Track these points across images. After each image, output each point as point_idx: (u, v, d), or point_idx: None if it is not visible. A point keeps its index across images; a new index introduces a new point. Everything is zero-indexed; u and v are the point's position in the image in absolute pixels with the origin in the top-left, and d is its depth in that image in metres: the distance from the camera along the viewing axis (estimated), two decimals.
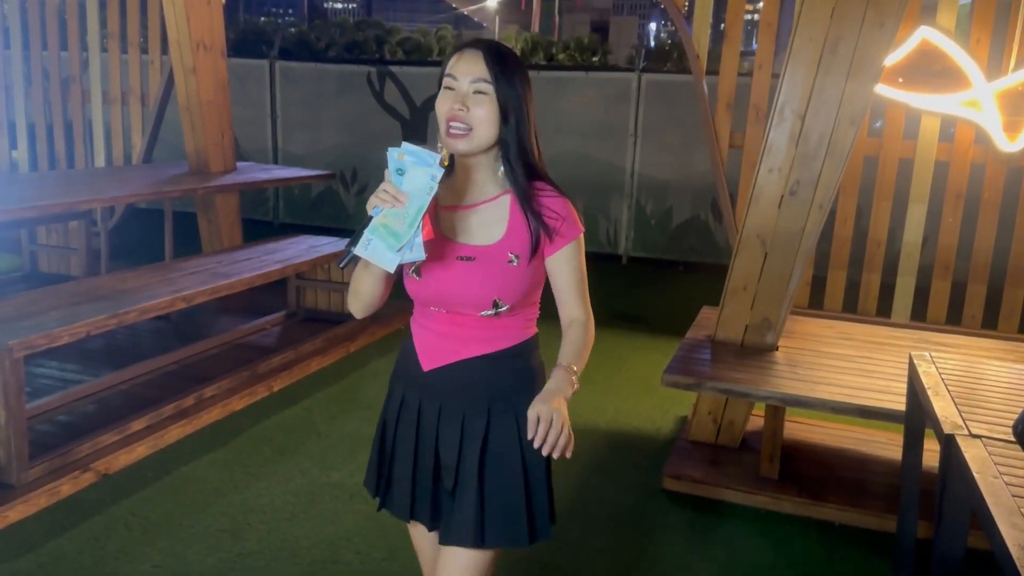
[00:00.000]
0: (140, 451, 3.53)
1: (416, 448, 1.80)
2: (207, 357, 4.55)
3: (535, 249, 1.67)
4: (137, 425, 3.64)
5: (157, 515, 3.14)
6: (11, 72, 6.31)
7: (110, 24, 5.92)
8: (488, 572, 1.79)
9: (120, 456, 3.44)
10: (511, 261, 1.67)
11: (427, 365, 1.77)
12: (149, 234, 5.81)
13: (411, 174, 1.53)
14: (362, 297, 1.73)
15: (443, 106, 1.65)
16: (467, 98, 1.63)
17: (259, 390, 4.22)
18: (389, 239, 1.53)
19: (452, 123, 1.63)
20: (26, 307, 3.47)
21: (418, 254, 1.55)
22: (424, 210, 1.52)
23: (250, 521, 3.12)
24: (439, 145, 1.66)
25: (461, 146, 1.64)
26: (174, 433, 3.70)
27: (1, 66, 6.32)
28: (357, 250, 1.56)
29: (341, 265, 1.62)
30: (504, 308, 1.69)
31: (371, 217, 1.55)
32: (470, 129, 1.63)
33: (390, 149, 1.55)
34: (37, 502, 3.09)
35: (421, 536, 1.90)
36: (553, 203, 1.69)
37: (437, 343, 1.76)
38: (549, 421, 1.53)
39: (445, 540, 1.77)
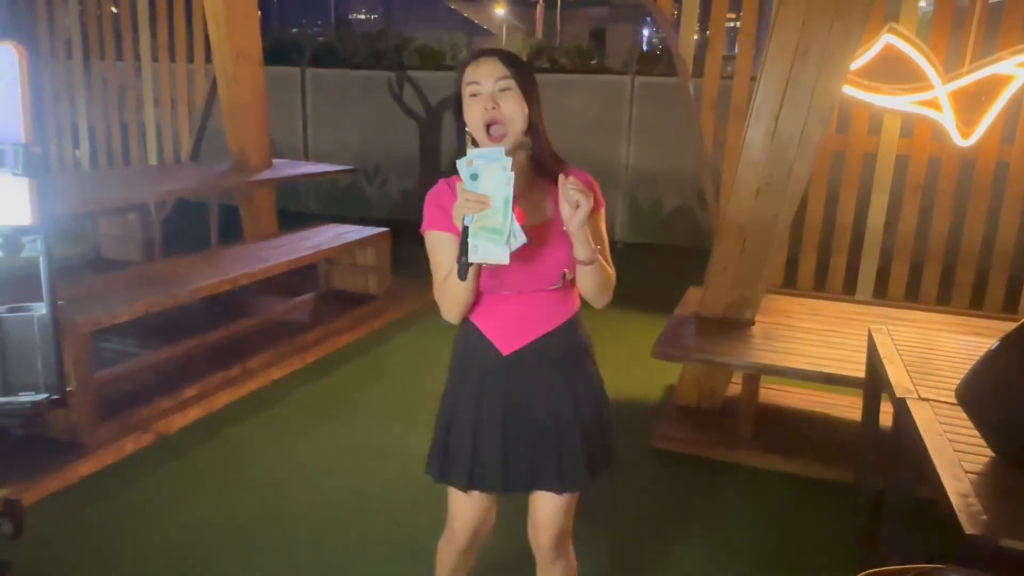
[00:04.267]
0: (193, 414, 3.61)
1: (504, 426, 1.77)
2: (249, 333, 4.62)
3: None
4: (189, 392, 3.71)
5: (210, 470, 3.22)
6: (73, 80, 6.36)
7: (160, 37, 5.96)
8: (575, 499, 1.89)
9: (176, 419, 3.52)
10: (565, 232, 1.63)
11: (507, 349, 1.74)
12: (196, 225, 5.86)
13: (485, 174, 1.50)
14: (461, 303, 1.69)
15: (475, 112, 1.62)
16: (495, 96, 1.61)
17: (295, 361, 4.28)
18: (493, 236, 1.50)
19: (491, 126, 1.62)
20: (92, 289, 3.54)
21: (521, 239, 1.52)
22: (511, 199, 1.50)
23: (291, 475, 3.20)
24: (470, 144, 1.64)
25: (505, 145, 1.60)
26: (222, 399, 3.78)
27: (64, 74, 6.37)
28: (471, 257, 1.52)
29: (462, 279, 1.55)
30: (569, 277, 1.69)
31: (466, 227, 1.51)
32: (505, 125, 1.62)
33: (459, 161, 1.52)
34: (105, 459, 3.18)
35: (473, 504, 1.87)
36: (581, 176, 1.67)
37: (510, 326, 1.73)
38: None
39: (557, 487, 1.80)
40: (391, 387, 4.07)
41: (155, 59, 6.06)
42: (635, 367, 4.47)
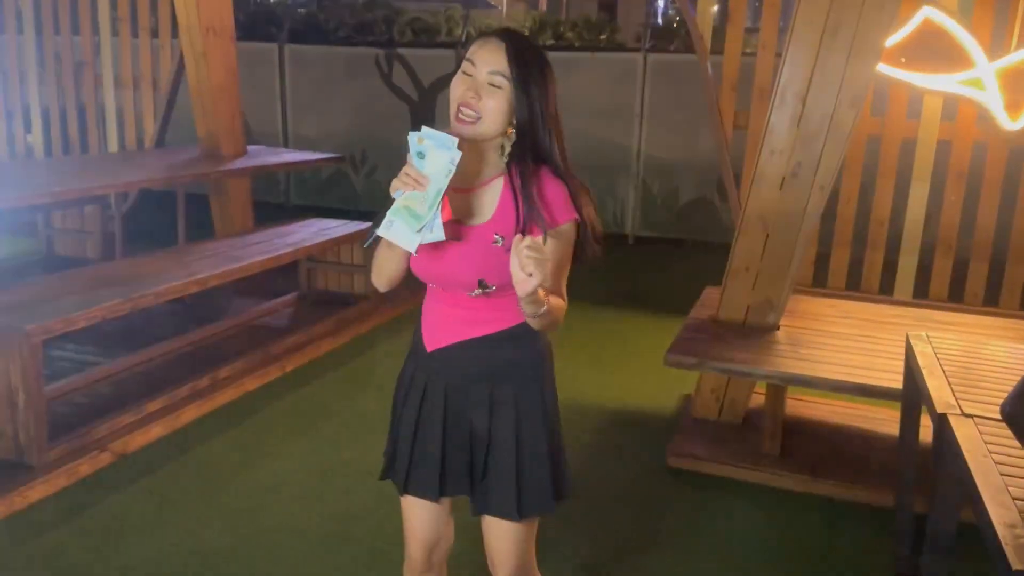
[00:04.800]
0: (156, 431, 3.59)
1: (418, 425, 1.84)
2: (221, 339, 4.61)
3: (522, 231, 1.64)
4: (153, 406, 3.70)
5: (174, 494, 3.21)
6: (25, 57, 6.34)
7: (120, 8, 5.93)
8: (533, 532, 1.89)
9: (136, 436, 3.51)
10: (495, 242, 1.67)
11: (430, 346, 1.81)
12: (163, 217, 5.85)
13: (431, 157, 1.56)
14: (386, 273, 1.79)
15: (457, 89, 1.67)
16: (481, 87, 1.64)
17: (272, 371, 4.27)
18: (411, 220, 1.57)
19: (462, 108, 1.65)
20: (43, 292, 3.52)
21: (437, 234, 1.58)
22: (443, 192, 1.56)
23: (265, 499, 3.18)
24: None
25: (466, 132, 1.65)
26: (189, 413, 3.76)
27: (15, 50, 6.35)
28: (380, 231, 1.61)
29: (364, 245, 1.67)
30: (491, 288, 1.70)
31: (394, 199, 1.59)
32: (478, 118, 1.64)
33: (411, 133, 1.57)
34: (56, 482, 3.15)
35: (420, 515, 1.92)
36: (549, 188, 1.68)
37: (440, 324, 1.80)
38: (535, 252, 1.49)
39: (489, 510, 1.83)
40: (378, 399, 4.05)
41: (115, 33, 6.03)
42: (647, 375, 4.45)
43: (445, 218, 1.59)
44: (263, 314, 5.04)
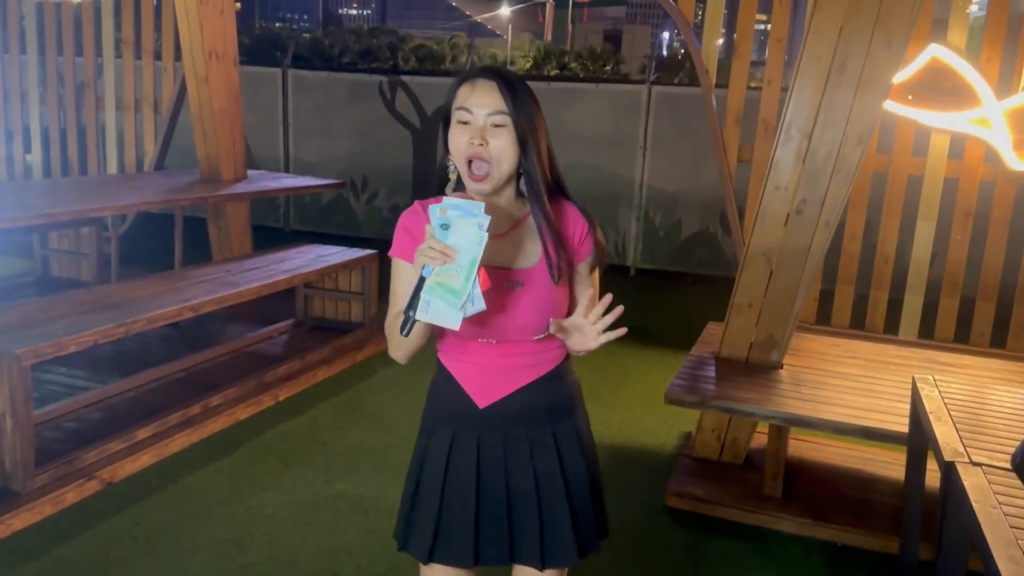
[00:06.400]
0: (145, 460, 3.54)
1: (478, 489, 1.72)
2: (215, 365, 4.57)
3: (556, 268, 1.65)
4: (143, 433, 3.65)
5: (161, 524, 3.15)
6: (27, 76, 6.36)
7: (124, 31, 5.96)
8: None
9: (125, 464, 3.46)
10: (554, 279, 1.66)
11: (483, 402, 1.72)
12: (160, 239, 5.84)
13: (457, 227, 1.49)
14: (410, 348, 1.68)
15: (459, 142, 1.62)
16: (485, 131, 1.60)
17: (265, 399, 4.22)
18: (449, 297, 1.49)
19: (473, 162, 1.61)
20: (35, 315, 3.49)
21: (479, 305, 1.52)
22: (478, 262, 1.49)
23: (253, 532, 3.12)
24: (452, 170, 1.68)
25: (485, 187, 1.62)
26: (179, 442, 3.71)
27: (18, 70, 6.37)
28: (419, 315, 1.51)
29: (404, 333, 1.54)
30: (557, 324, 1.65)
31: (422, 279, 1.51)
32: (489, 166, 1.60)
33: (431, 207, 1.52)
34: (42, 510, 3.10)
35: None
36: (572, 222, 1.71)
37: (489, 377, 1.71)
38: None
39: (538, 563, 1.74)
40: (372, 429, 4.00)
41: (119, 55, 6.06)
42: (647, 411, 4.41)
43: (484, 287, 1.52)
44: (258, 340, 5.00)
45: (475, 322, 1.62)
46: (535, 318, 1.66)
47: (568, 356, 1.80)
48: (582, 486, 1.77)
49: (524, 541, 1.74)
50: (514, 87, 1.62)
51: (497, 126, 1.60)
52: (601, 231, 1.79)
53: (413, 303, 1.51)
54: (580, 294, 1.68)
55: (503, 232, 1.67)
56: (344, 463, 3.69)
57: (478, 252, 1.48)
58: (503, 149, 1.60)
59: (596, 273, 1.77)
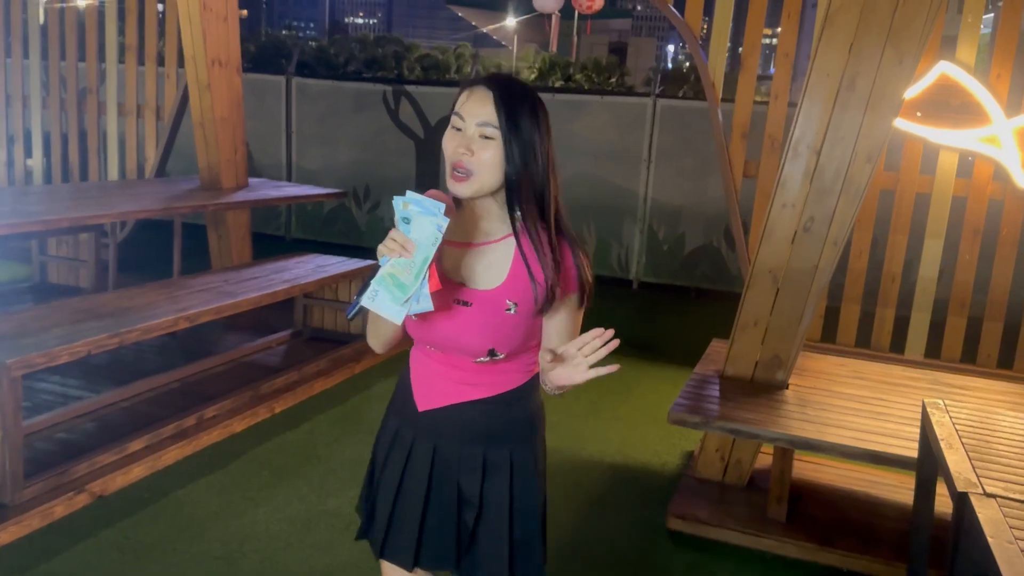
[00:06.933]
0: (137, 472, 3.48)
1: (428, 490, 1.73)
2: (211, 375, 4.50)
3: (539, 306, 1.60)
4: (136, 445, 3.58)
5: (151, 539, 3.08)
6: (29, 81, 6.32)
7: (128, 36, 5.92)
8: None
9: (117, 477, 3.39)
10: (509, 309, 1.60)
11: (422, 406, 1.72)
12: (160, 245, 5.79)
13: (417, 223, 1.49)
14: (381, 336, 1.71)
15: (448, 146, 1.59)
16: (472, 141, 1.56)
17: (261, 411, 4.16)
18: (395, 291, 1.50)
19: (455, 166, 1.57)
20: (29, 323, 3.43)
21: (425, 305, 1.51)
22: (429, 261, 1.49)
23: (244, 549, 3.05)
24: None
25: (463, 190, 1.58)
26: (172, 454, 3.64)
27: (20, 75, 6.33)
28: (364, 302, 1.53)
29: (349, 317, 1.58)
30: (500, 356, 1.63)
31: (378, 267, 1.52)
32: (472, 174, 1.56)
33: (395, 198, 1.51)
34: (30, 523, 3.03)
35: None
36: (564, 256, 1.61)
37: (433, 383, 1.71)
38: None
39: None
40: (368, 443, 3.87)
41: (121, 61, 6.02)
42: (650, 429, 4.34)
43: (434, 288, 1.51)
44: (255, 351, 4.94)
45: (423, 327, 1.63)
46: (476, 341, 1.61)
47: (531, 383, 1.73)
48: (502, 519, 1.71)
49: (469, 555, 1.74)
50: (511, 100, 1.55)
51: (485, 138, 1.56)
52: (590, 270, 1.67)
53: (363, 289, 1.53)
54: (559, 328, 1.64)
55: (472, 243, 1.63)
56: (339, 478, 3.63)
57: (431, 252, 1.48)
58: (486, 162, 1.55)
59: (579, 311, 1.69)
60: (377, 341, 1.73)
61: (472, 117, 1.56)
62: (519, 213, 1.59)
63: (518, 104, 1.56)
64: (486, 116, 1.55)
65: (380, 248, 1.52)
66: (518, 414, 1.73)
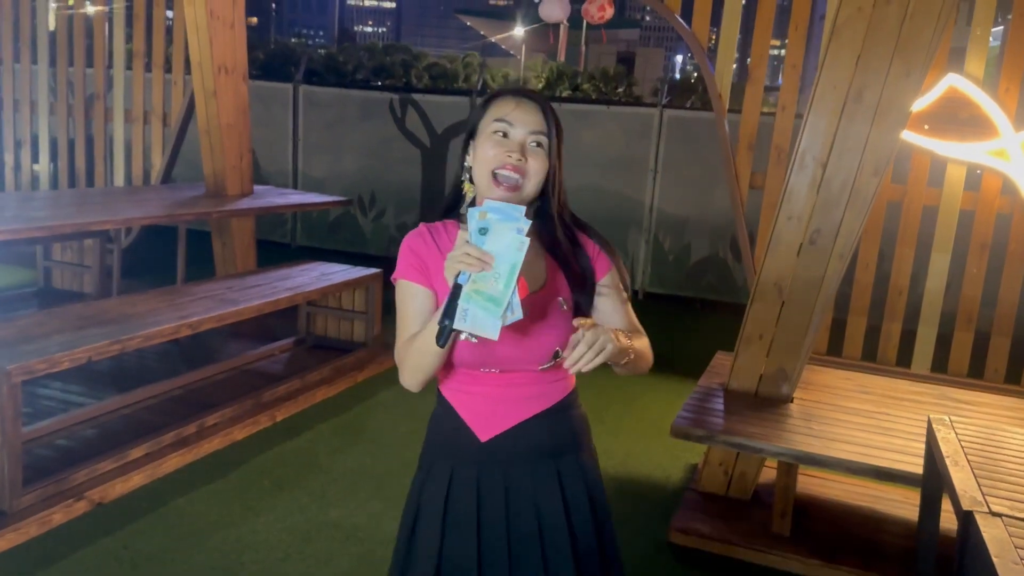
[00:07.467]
0: (136, 480, 3.46)
1: (479, 532, 1.64)
2: (212, 383, 4.49)
3: (589, 295, 1.65)
4: (136, 453, 3.57)
5: (149, 549, 3.06)
6: (37, 86, 6.33)
7: (135, 43, 5.93)
8: None
9: (116, 485, 3.37)
10: (562, 305, 1.61)
11: (485, 435, 1.64)
12: (165, 252, 5.78)
13: (496, 232, 1.43)
14: (426, 370, 1.59)
15: (492, 152, 1.58)
16: (526, 149, 1.59)
17: (262, 419, 4.14)
18: (488, 305, 1.42)
19: (505, 172, 1.57)
20: (31, 329, 3.42)
21: (518, 314, 1.44)
22: (519, 267, 1.42)
23: (243, 560, 3.03)
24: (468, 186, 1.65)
25: (514, 197, 1.57)
26: (173, 462, 3.63)
27: (28, 80, 6.35)
28: (457, 323, 1.43)
29: (440, 345, 1.46)
30: (562, 357, 1.56)
31: (458, 286, 1.43)
32: (524, 178, 1.58)
33: (470, 210, 1.47)
34: (28, 531, 3.02)
35: None
36: (591, 245, 1.72)
37: (494, 409, 1.64)
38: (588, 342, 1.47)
39: None
40: (371, 453, 3.91)
41: (129, 67, 6.03)
42: (654, 441, 4.30)
43: (522, 295, 1.45)
44: (258, 359, 4.92)
45: (484, 349, 1.56)
46: (544, 344, 1.59)
47: (575, 388, 1.74)
48: (587, 528, 1.68)
49: None
50: (551, 111, 1.64)
51: (538, 146, 1.60)
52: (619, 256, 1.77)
53: (450, 311, 1.43)
54: (613, 308, 1.70)
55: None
56: (340, 489, 3.60)
57: (519, 257, 1.42)
58: (536, 170, 1.60)
59: (620, 287, 1.74)
60: (418, 377, 1.61)
61: (525, 125, 1.59)
62: (558, 220, 1.65)
63: (554, 118, 1.64)
64: (539, 125, 1.60)
65: (453, 264, 1.44)
66: (575, 420, 1.73)
